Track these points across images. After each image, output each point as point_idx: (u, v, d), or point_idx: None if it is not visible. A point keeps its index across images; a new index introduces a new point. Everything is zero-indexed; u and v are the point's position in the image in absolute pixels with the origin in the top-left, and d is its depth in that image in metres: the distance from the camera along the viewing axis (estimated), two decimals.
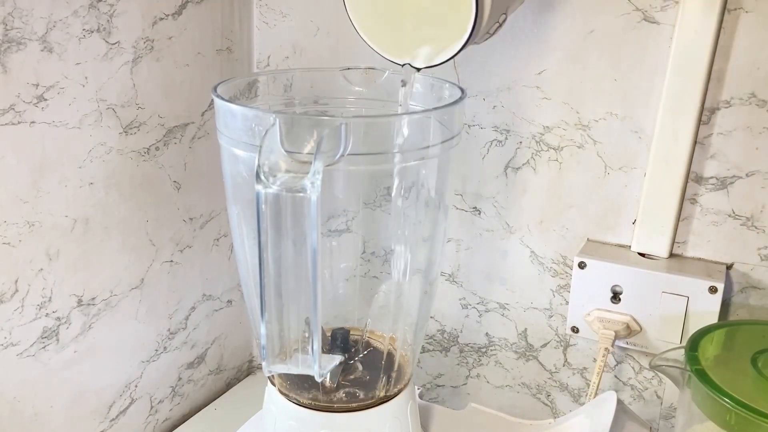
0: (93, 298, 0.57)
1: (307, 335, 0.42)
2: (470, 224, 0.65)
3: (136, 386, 0.63)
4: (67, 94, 0.52)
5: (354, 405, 0.48)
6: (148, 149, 0.60)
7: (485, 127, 0.62)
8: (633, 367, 0.62)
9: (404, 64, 0.47)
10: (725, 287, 0.54)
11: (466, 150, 0.63)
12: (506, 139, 0.62)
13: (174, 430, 0.68)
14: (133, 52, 0.56)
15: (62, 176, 0.53)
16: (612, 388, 0.63)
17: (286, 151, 0.39)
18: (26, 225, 0.51)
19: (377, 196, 0.48)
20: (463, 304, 0.68)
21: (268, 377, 0.50)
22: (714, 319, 0.55)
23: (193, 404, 0.71)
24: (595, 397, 0.57)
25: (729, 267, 0.57)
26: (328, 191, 0.43)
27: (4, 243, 0.50)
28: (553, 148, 0.60)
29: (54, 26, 0.50)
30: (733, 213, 0.56)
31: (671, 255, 0.58)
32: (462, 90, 0.47)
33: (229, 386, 0.76)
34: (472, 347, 0.69)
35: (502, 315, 0.67)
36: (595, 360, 0.63)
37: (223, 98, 0.43)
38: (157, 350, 0.65)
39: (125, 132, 0.57)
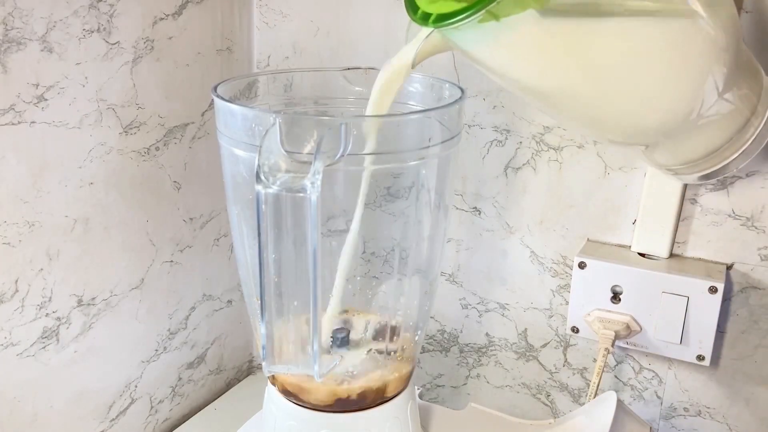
0: (93, 298, 0.57)
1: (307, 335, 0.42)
2: (470, 224, 0.65)
3: (136, 386, 0.63)
4: (67, 94, 0.52)
5: (354, 405, 0.48)
6: (148, 149, 0.60)
7: (485, 127, 0.62)
8: (633, 367, 0.62)
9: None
10: (725, 287, 0.54)
11: (466, 150, 0.63)
12: (506, 139, 0.62)
13: (174, 430, 0.68)
14: (133, 52, 0.56)
15: (62, 176, 0.53)
16: (612, 388, 0.63)
17: (286, 151, 0.39)
18: (26, 225, 0.51)
19: (377, 196, 0.48)
20: (463, 304, 0.68)
21: (268, 377, 0.50)
22: (714, 320, 0.55)
23: (193, 404, 0.71)
24: (595, 397, 0.57)
25: (729, 267, 0.57)
26: (328, 191, 0.43)
27: (4, 243, 0.50)
28: (553, 148, 0.60)
29: (54, 26, 0.50)
30: (733, 213, 0.56)
31: (671, 255, 0.58)
32: (462, 90, 0.47)
33: (229, 386, 0.76)
34: (472, 347, 0.69)
35: (502, 315, 0.67)
36: (595, 360, 0.63)
37: (223, 98, 0.43)
38: (157, 350, 0.65)
39: (125, 132, 0.57)
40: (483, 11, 0.36)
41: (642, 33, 0.39)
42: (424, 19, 0.39)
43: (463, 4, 0.37)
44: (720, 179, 0.55)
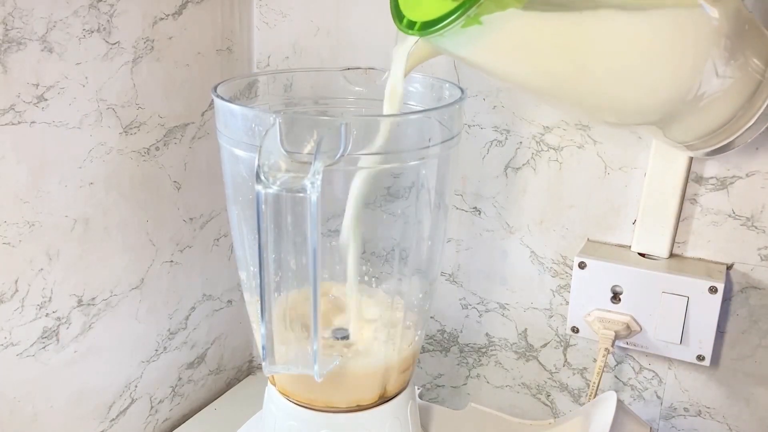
0: (93, 298, 0.57)
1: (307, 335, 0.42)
2: (470, 224, 0.65)
3: (136, 386, 0.63)
4: (67, 94, 0.52)
5: (354, 405, 0.48)
6: (148, 149, 0.60)
7: (485, 127, 0.62)
8: (633, 367, 0.62)
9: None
10: (725, 287, 0.54)
11: (466, 150, 0.63)
12: (506, 139, 0.62)
13: (174, 430, 0.68)
14: (133, 52, 0.56)
15: (62, 176, 0.53)
16: (612, 388, 0.64)
17: (286, 151, 0.39)
18: (26, 225, 0.51)
19: (377, 196, 0.48)
20: (463, 304, 0.68)
21: (268, 377, 0.50)
22: (714, 320, 0.55)
23: (193, 404, 0.71)
24: (595, 397, 0.57)
25: (729, 267, 0.57)
26: (328, 191, 0.43)
27: (4, 243, 0.50)
28: (553, 148, 0.60)
29: (54, 26, 0.50)
30: (733, 213, 0.56)
31: (671, 255, 0.58)
32: (462, 90, 0.47)
33: (229, 386, 0.76)
34: (472, 347, 0.69)
35: (502, 315, 0.67)
36: (595, 360, 0.63)
37: (223, 98, 0.43)
38: (157, 350, 0.65)
39: (125, 132, 0.57)
40: (464, 17, 0.36)
41: (634, 23, 0.39)
42: (410, 27, 0.39)
43: (448, 7, 0.37)
44: (720, 179, 0.55)
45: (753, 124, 0.44)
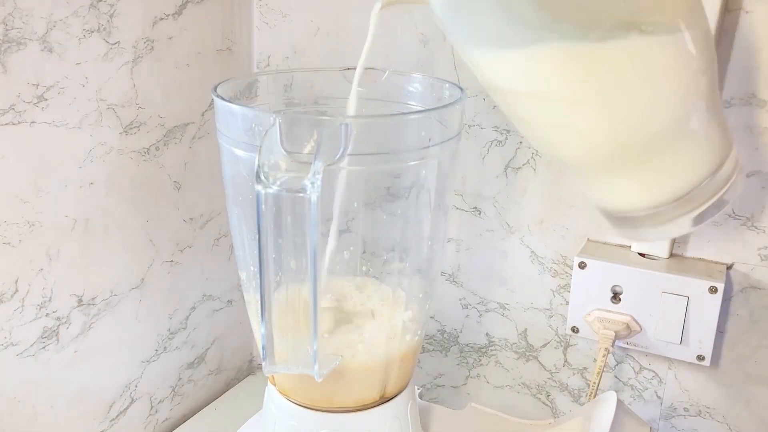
0: (93, 298, 0.57)
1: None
2: (470, 224, 0.65)
3: (136, 386, 0.63)
4: (67, 94, 0.52)
5: (354, 405, 0.48)
6: (148, 149, 0.60)
7: (485, 127, 0.62)
8: (633, 367, 0.62)
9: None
10: (725, 287, 0.54)
11: (466, 150, 0.63)
12: (506, 139, 0.62)
13: (174, 430, 0.68)
14: (133, 52, 0.56)
15: (62, 176, 0.53)
16: (612, 388, 0.64)
17: (286, 151, 0.39)
18: (26, 225, 0.51)
19: (377, 196, 0.48)
20: (463, 304, 0.68)
21: (268, 377, 0.50)
22: (714, 320, 0.55)
23: (193, 404, 0.71)
24: (595, 397, 0.57)
25: (729, 267, 0.57)
26: (328, 191, 0.43)
27: (4, 243, 0.50)
28: None
29: (54, 26, 0.50)
30: (733, 213, 0.56)
31: (671, 255, 0.58)
32: (462, 90, 0.47)
33: (229, 386, 0.76)
34: (472, 347, 0.69)
35: (502, 315, 0.67)
36: (595, 360, 0.63)
37: (223, 98, 0.43)
38: (157, 350, 0.65)
39: (125, 132, 0.57)
40: None
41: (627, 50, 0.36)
42: None
43: None
44: None
45: (714, 201, 0.40)
